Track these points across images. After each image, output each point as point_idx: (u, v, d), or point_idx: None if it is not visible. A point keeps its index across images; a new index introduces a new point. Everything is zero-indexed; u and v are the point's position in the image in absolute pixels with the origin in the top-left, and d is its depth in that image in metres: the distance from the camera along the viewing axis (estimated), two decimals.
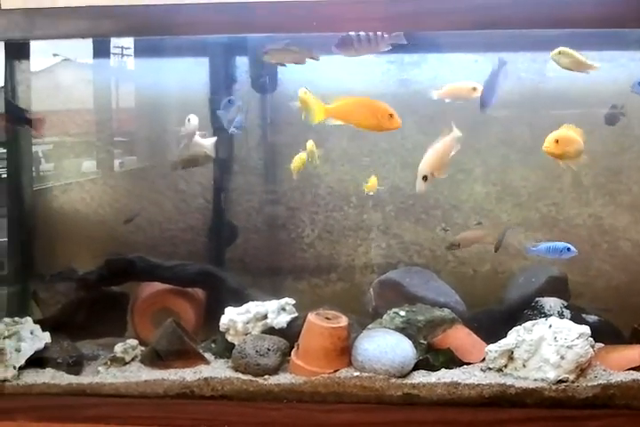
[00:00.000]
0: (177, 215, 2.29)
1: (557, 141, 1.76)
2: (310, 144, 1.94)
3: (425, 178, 1.76)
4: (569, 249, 1.88)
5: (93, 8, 1.71)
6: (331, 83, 2.05)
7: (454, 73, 2.10)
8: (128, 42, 2.22)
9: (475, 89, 1.86)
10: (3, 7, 2.10)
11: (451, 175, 2.15)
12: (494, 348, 1.81)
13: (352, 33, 1.73)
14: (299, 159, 1.94)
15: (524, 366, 1.79)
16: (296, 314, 1.97)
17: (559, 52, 1.74)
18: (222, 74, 2.05)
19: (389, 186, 2.16)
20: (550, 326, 1.79)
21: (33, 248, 2.30)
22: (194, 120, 1.91)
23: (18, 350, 1.90)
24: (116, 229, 2.25)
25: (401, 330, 1.89)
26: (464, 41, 2.03)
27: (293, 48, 1.74)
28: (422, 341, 1.90)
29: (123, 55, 2.26)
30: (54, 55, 2.36)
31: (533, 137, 2.08)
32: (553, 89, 2.07)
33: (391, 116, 1.69)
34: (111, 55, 2.23)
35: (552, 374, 1.74)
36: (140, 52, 2.16)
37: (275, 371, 1.84)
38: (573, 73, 1.91)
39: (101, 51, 2.21)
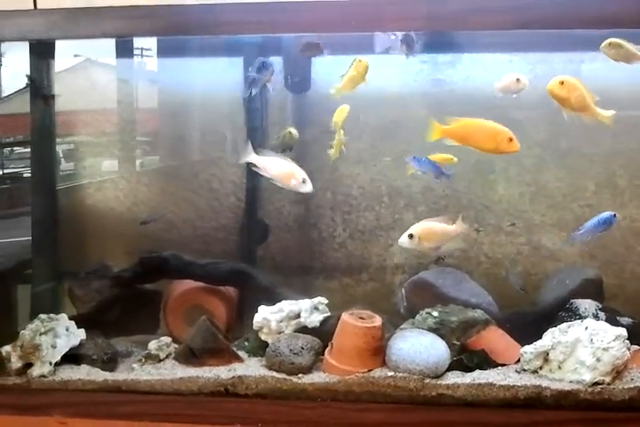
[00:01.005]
0: (210, 214, 2.30)
1: (562, 83, 1.72)
2: (340, 134, 1.95)
3: (410, 236, 1.81)
4: (615, 215, 1.85)
5: (133, 8, 1.72)
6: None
7: (488, 73, 2.09)
8: (152, 42, 2.25)
9: (518, 80, 1.81)
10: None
11: (484, 175, 2.17)
12: (530, 349, 1.81)
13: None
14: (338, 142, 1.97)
15: (559, 367, 1.78)
16: (328, 313, 1.97)
17: (609, 44, 1.69)
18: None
19: (422, 186, 2.16)
20: (586, 327, 1.78)
21: (64, 246, 2.33)
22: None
23: (54, 347, 1.92)
24: (148, 228, 2.26)
25: (433, 331, 1.89)
26: (498, 41, 2.03)
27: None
28: (455, 341, 1.90)
29: (142, 56, 2.28)
30: (75, 56, 2.39)
31: (568, 138, 2.07)
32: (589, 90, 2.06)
33: (510, 140, 1.69)
34: (135, 55, 2.27)
35: (588, 377, 1.73)
36: (174, 51, 2.17)
37: (308, 370, 1.85)
38: (610, 74, 1.91)
39: (125, 50, 2.25)
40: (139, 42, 2.24)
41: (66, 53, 2.23)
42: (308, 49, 1.92)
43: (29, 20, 1.79)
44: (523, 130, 2.14)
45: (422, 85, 2.00)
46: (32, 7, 2.12)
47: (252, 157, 1.85)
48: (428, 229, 1.83)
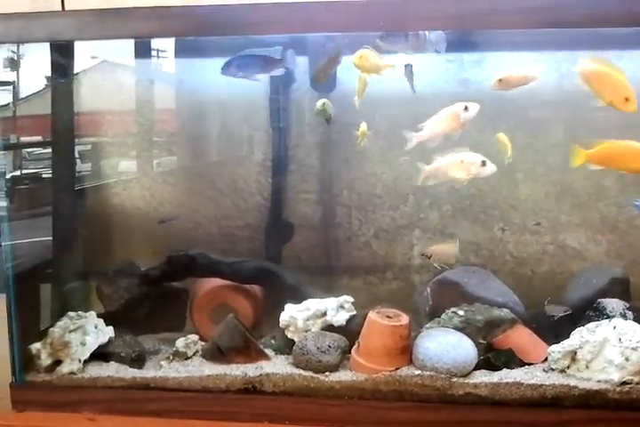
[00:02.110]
0: (235, 213, 2.32)
1: (500, 81, 1.77)
2: (364, 126, 1.95)
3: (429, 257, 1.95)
4: None
5: (162, 8, 1.73)
6: (391, 82, 2.06)
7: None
8: (170, 43, 2.26)
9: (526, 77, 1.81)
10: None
11: (509, 175, 2.16)
12: (557, 348, 1.81)
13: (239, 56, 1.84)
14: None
15: (587, 367, 1.78)
16: (354, 312, 1.98)
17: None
18: (282, 74, 2.06)
19: (447, 185, 2.16)
20: (614, 327, 1.78)
21: (90, 245, 2.35)
22: None
23: (83, 344, 1.95)
24: (175, 226, 2.29)
25: (459, 330, 1.89)
26: (523, 39, 2.02)
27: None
28: (481, 340, 1.89)
29: (159, 57, 2.30)
30: (92, 57, 2.41)
31: (595, 137, 2.06)
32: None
33: None
34: (153, 57, 2.28)
35: (616, 376, 1.72)
36: (198, 51, 2.19)
37: (335, 368, 1.86)
38: (637, 72, 1.90)
39: (143, 51, 2.26)
40: (157, 43, 2.26)
41: (82, 55, 2.25)
42: (319, 74, 1.96)
43: (59, 21, 1.80)
44: (543, 131, 2.16)
45: (449, 85, 2.00)
46: (60, 9, 2.17)
47: (426, 172, 1.85)
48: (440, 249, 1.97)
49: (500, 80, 1.80)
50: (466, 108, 1.79)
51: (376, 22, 1.67)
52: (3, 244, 1.95)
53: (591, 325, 1.82)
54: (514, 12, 1.61)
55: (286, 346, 1.96)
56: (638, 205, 1.88)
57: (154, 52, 2.31)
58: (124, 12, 1.77)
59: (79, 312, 2.03)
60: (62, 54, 2.15)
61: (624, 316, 1.89)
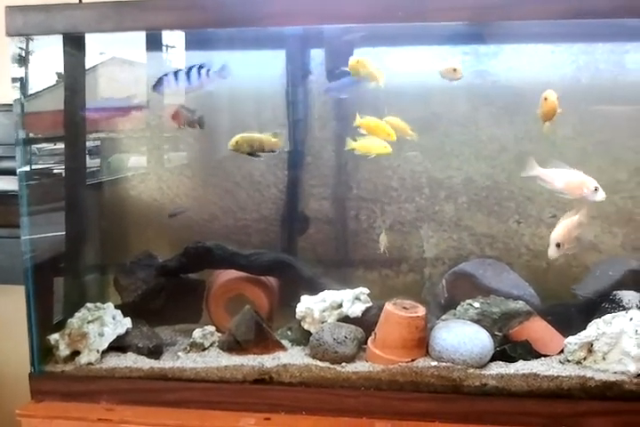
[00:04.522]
0: (251, 205, 2.33)
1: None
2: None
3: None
4: None
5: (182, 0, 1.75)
6: (404, 74, 2.06)
7: (531, 64, 2.09)
8: (180, 37, 2.26)
9: (455, 70, 1.85)
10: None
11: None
12: (574, 340, 1.81)
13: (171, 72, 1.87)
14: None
15: (603, 358, 1.79)
16: (370, 303, 1.98)
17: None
18: (298, 66, 2.07)
19: (463, 177, 2.17)
20: (631, 318, 1.78)
21: (107, 237, 2.37)
22: None
23: (101, 335, 1.96)
24: (192, 219, 2.30)
25: (475, 322, 1.90)
26: (540, 31, 2.01)
27: None
28: (497, 332, 1.90)
29: (167, 50, 2.29)
30: (101, 53, 2.41)
31: (611, 129, 2.06)
32: (632, 81, 2.05)
33: None
34: (164, 51, 2.28)
35: (633, 367, 1.73)
36: (214, 43, 2.18)
37: (352, 359, 1.87)
38: None
39: (154, 47, 2.26)
40: (166, 38, 2.26)
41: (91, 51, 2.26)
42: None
43: (78, 13, 1.81)
44: (560, 123, 2.14)
45: (465, 77, 2.00)
46: (77, 1, 2.18)
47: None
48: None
49: (455, 69, 1.84)
50: (596, 189, 1.78)
51: (395, 13, 1.68)
52: (23, 237, 1.97)
53: (607, 316, 1.82)
54: (533, 2, 1.62)
55: (303, 337, 1.97)
56: None
57: (164, 48, 2.31)
58: (142, 3, 1.78)
59: (97, 303, 2.05)
60: (76, 49, 2.17)
61: None
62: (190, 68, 1.89)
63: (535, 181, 1.85)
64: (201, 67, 1.89)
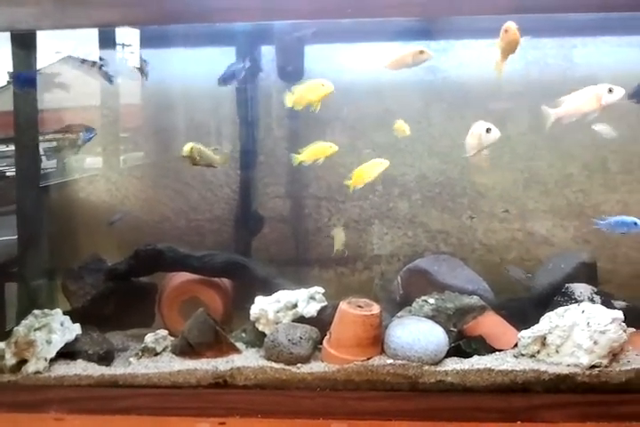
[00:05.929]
0: (204, 205, 2.29)
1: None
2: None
3: None
4: (636, 224, 1.85)
5: None
6: (357, 72, 2.05)
7: (481, 59, 2.09)
8: (134, 35, 2.21)
9: (422, 52, 1.79)
10: None
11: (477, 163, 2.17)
12: (527, 334, 1.82)
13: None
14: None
15: (556, 351, 1.80)
16: (325, 303, 1.97)
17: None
18: (249, 63, 2.03)
19: (416, 174, 2.16)
20: (583, 311, 1.80)
21: (55, 241, 2.30)
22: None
23: (49, 342, 1.90)
24: (143, 220, 2.25)
25: (430, 318, 1.90)
26: (487, 26, 2.02)
27: None
28: (452, 328, 1.90)
29: (124, 48, 2.25)
30: (57, 52, 2.35)
31: (560, 124, 2.08)
32: (580, 75, 2.07)
33: None
34: (118, 49, 2.23)
35: (585, 360, 1.74)
36: (159, 41, 2.14)
37: (307, 359, 1.84)
38: (604, 59, 1.90)
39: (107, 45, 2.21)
40: (120, 36, 2.22)
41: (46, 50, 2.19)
42: None
43: (19, 10, 1.76)
44: (511, 118, 2.16)
45: (415, 73, 1.99)
46: None
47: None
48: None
49: (422, 51, 1.80)
50: (610, 90, 1.71)
51: (344, 9, 1.66)
52: None
53: (560, 309, 1.83)
54: None
55: (257, 339, 1.94)
56: (602, 224, 1.91)
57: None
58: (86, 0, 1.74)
59: (45, 310, 1.98)
60: (26, 47, 2.10)
61: (592, 300, 1.91)
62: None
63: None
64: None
